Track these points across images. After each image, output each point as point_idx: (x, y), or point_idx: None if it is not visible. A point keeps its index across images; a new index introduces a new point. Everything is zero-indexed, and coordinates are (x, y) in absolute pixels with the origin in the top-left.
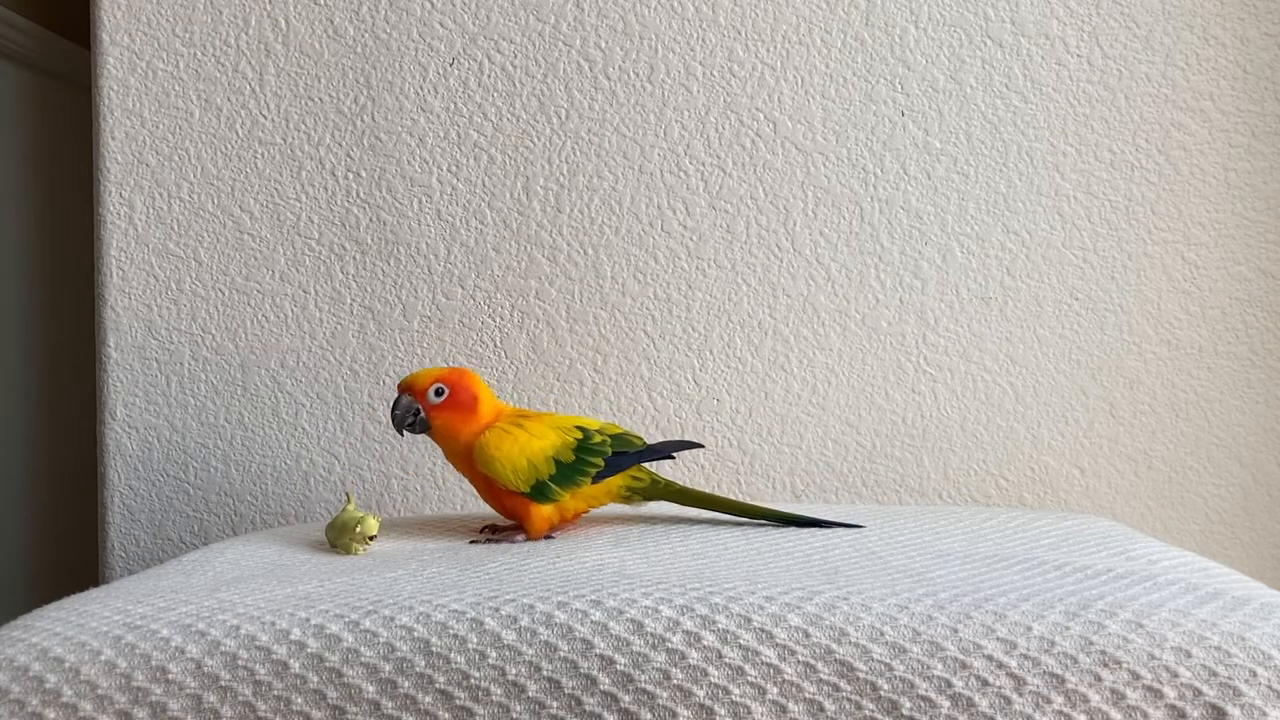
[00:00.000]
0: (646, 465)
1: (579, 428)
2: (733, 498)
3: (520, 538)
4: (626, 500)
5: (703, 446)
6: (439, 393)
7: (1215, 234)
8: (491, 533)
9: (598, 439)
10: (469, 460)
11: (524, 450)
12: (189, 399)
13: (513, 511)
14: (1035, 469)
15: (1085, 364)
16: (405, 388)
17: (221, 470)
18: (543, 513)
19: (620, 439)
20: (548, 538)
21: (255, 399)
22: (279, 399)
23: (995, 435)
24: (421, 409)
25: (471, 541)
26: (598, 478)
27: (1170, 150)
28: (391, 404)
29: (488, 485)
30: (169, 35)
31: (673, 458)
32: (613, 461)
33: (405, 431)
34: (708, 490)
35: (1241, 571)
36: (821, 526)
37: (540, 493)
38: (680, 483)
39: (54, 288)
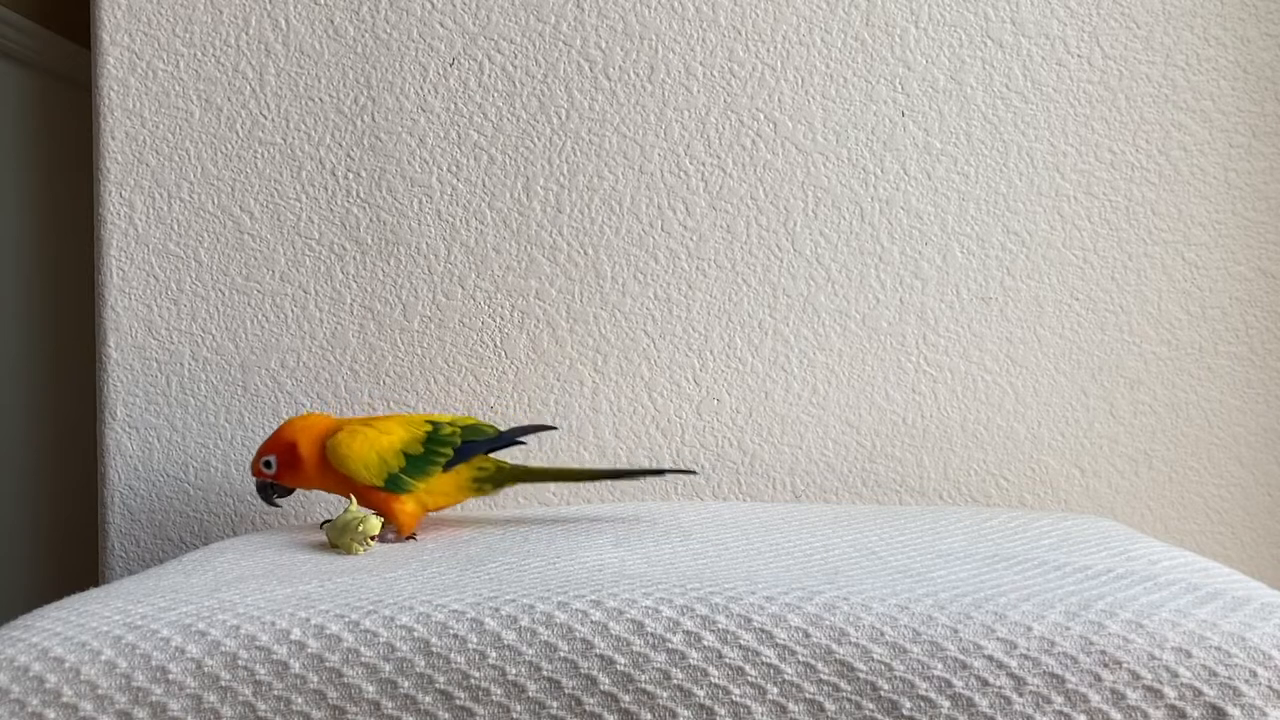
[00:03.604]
0: (494, 455)
1: (430, 422)
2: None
3: (391, 536)
4: (478, 491)
5: (555, 429)
6: (268, 465)
7: (1215, 234)
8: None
9: (447, 430)
10: (336, 481)
11: (373, 446)
12: (189, 399)
13: (380, 510)
14: (1035, 469)
15: (1085, 364)
16: (251, 472)
17: (221, 470)
18: (405, 507)
19: (472, 429)
20: (411, 537)
21: (255, 399)
22: (279, 399)
23: (995, 435)
24: (270, 482)
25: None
26: (449, 465)
27: (1170, 150)
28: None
29: (356, 489)
30: (169, 35)
31: (524, 442)
32: (463, 450)
33: (276, 503)
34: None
35: (1241, 571)
36: (656, 474)
37: (395, 485)
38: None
39: (54, 288)
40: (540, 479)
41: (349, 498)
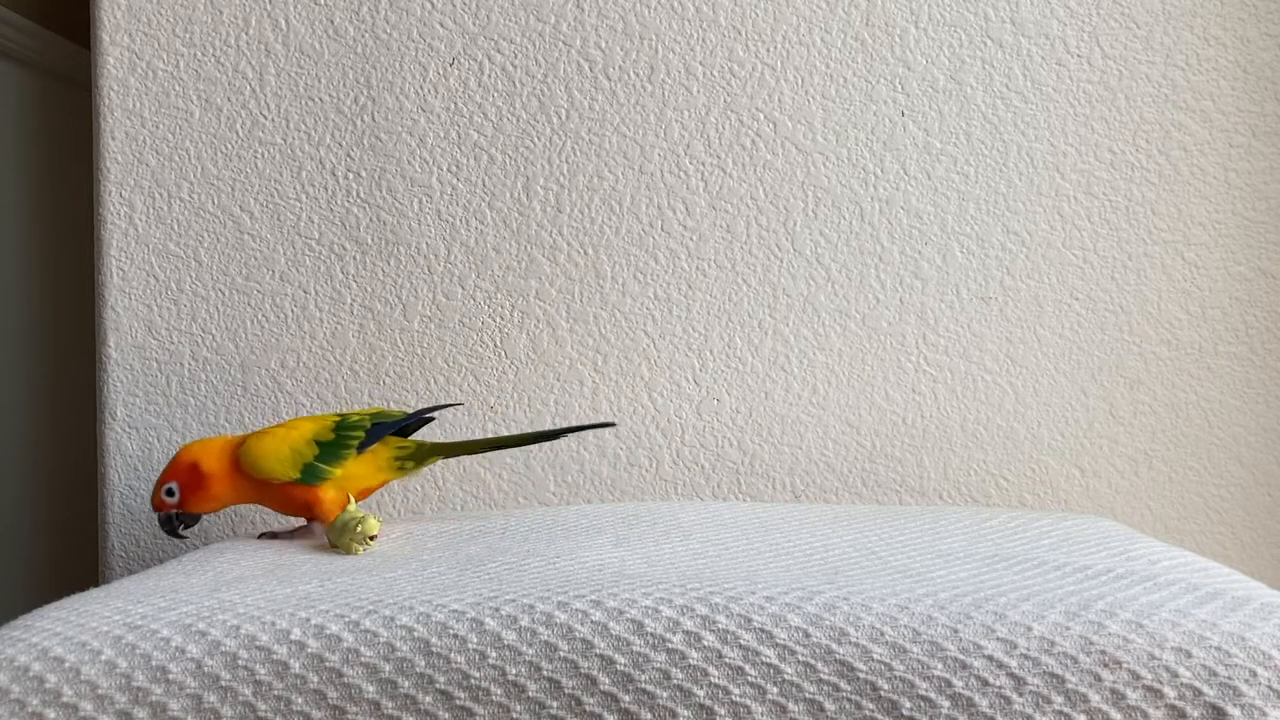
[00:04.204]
0: (414, 436)
1: (338, 415)
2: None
3: (317, 527)
4: (400, 470)
5: (461, 404)
6: (170, 493)
7: (1215, 234)
8: (271, 538)
9: (355, 418)
10: (250, 489)
11: (284, 441)
12: (189, 399)
13: (303, 506)
14: (1035, 469)
15: (1085, 364)
16: (153, 507)
17: None
18: (328, 495)
19: (380, 414)
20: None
21: (255, 399)
22: (279, 399)
23: (995, 435)
24: (172, 513)
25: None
26: (361, 447)
27: (1170, 150)
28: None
29: (272, 493)
30: (169, 35)
31: (434, 419)
32: (373, 431)
33: (182, 534)
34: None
35: (1241, 571)
36: (574, 431)
37: (311, 474)
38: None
39: (54, 288)
40: (460, 452)
41: (265, 504)
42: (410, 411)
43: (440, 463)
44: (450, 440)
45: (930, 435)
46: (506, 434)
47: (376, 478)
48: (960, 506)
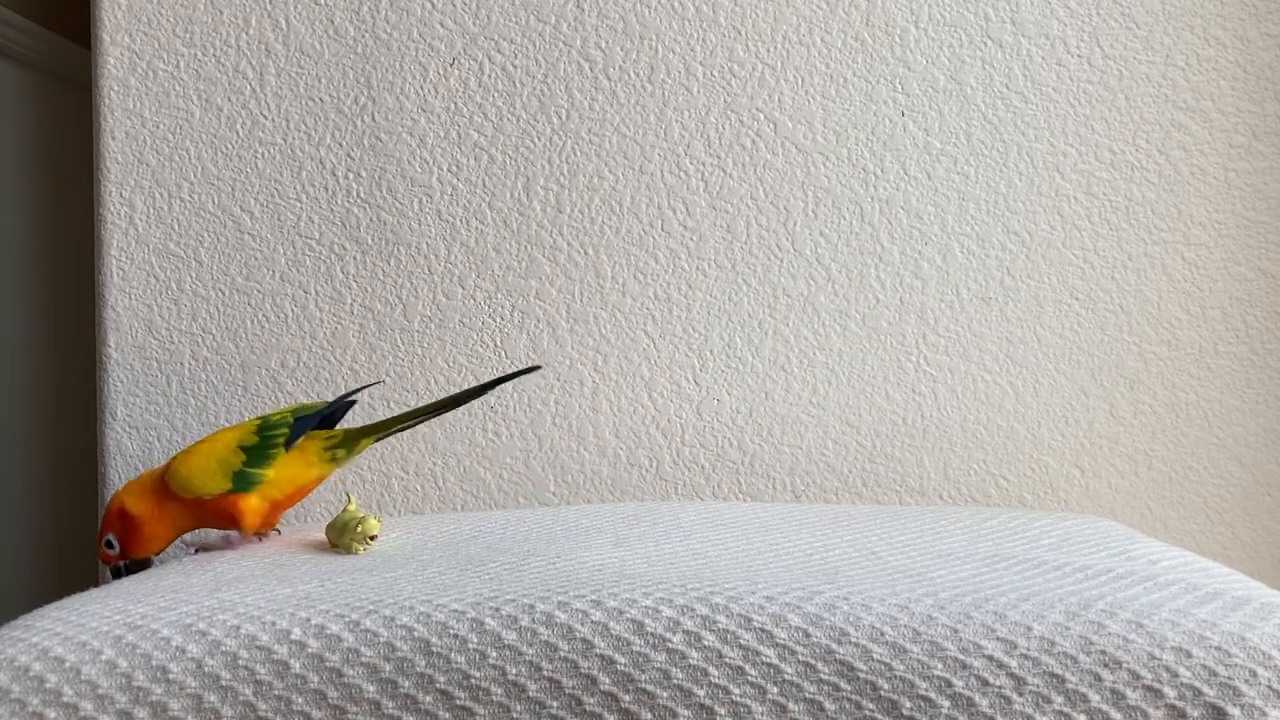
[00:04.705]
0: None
1: (259, 418)
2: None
3: (235, 536)
4: (333, 460)
5: (382, 382)
6: (110, 545)
7: (1215, 234)
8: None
9: (276, 417)
10: (185, 514)
11: (209, 454)
12: (189, 399)
13: (228, 519)
14: (1035, 469)
15: (1085, 364)
16: (104, 561)
17: None
18: (250, 504)
19: (300, 409)
20: (259, 536)
21: (255, 399)
22: (279, 399)
23: (995, 435)
24: (120, 563)
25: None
26: (289, 442)
27: (1170, 150)
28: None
29: (198, 512)
30: (169, 35)
31: (354, 403)
32: (296, 426)
33: (136, 572)
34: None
35: (1242, 571)
36: (501, 383)
37: (243, 481)
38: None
39: (54, 288)
40: (388, 428)
41: (211, 526)
42: (330, 401)
43: (440, 463)
44: (373, 422)
45: (930, 435)
46: (428, 404)
47: (309, 473)
48: (960, 506)
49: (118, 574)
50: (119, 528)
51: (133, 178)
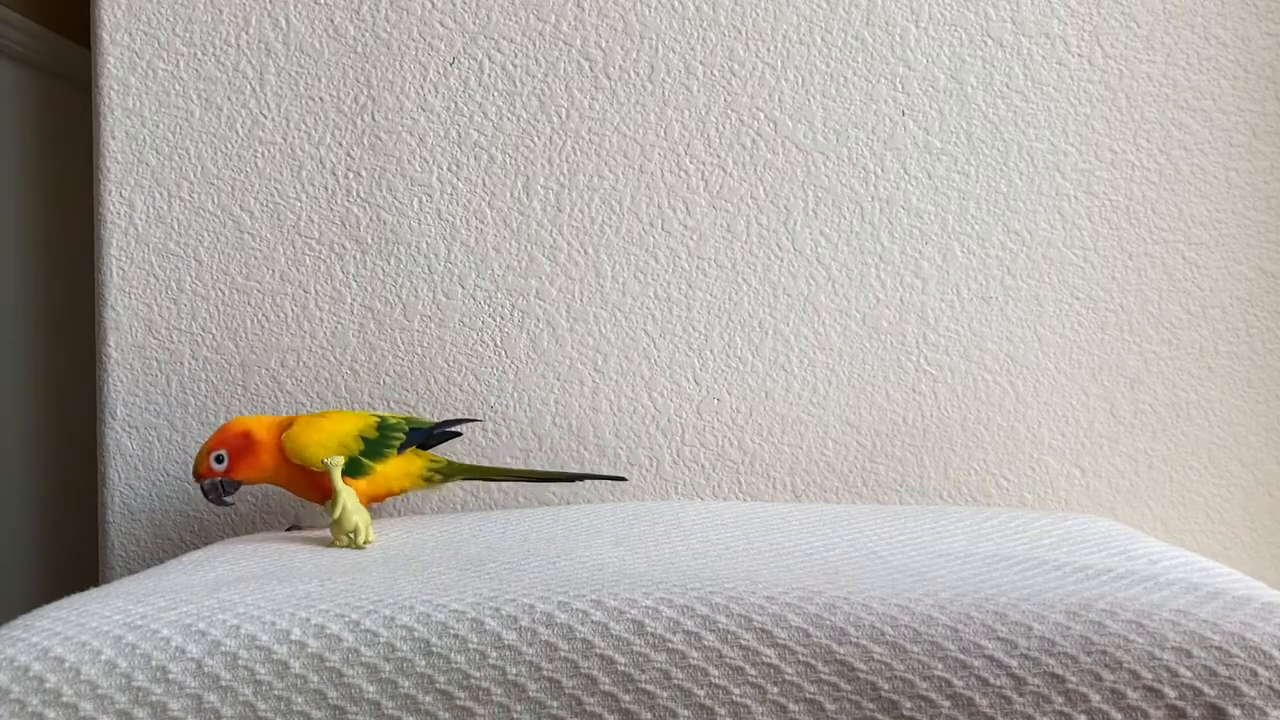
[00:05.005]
0: (441, 454)
1: (377, 415)
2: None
3: (306, 525)
4: (428, 481)
5: (480, 420)
6: (219, 459)
7: (1216, 233)
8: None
9: (393, 421)
10: (287, 475)
11: (332, 434)
12: (189, 399)
13: (324, 493)
14: (1035, 469)
15: (1085, 364)
16: (197, 475)
17: None
18: (358, 487)
19: (414, 421)
20: (294, 529)
21: (255, 399)
22: (279, 399)
23: (995, 435)
24: (219, 479)
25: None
26: (402, 447)
27: (1171, 150)
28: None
29: (307, 480)
30: (169, 35)
31: (460, 434)
32: (412, 434)
33: (227, 500)
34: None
35: (1242, 571)
36: (588, 479)
37: (355, 468)
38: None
39: (54, 288)
40: (483, 475)
41: (295, 492)
42: (436, 422)
43: None
44: (473, 464)
45: (930, 435)
46: (525, 468)
47: (404, 482)
48: (960, 506)
49: (214, 489)
50: (237, 445)
51: (133, 177)
